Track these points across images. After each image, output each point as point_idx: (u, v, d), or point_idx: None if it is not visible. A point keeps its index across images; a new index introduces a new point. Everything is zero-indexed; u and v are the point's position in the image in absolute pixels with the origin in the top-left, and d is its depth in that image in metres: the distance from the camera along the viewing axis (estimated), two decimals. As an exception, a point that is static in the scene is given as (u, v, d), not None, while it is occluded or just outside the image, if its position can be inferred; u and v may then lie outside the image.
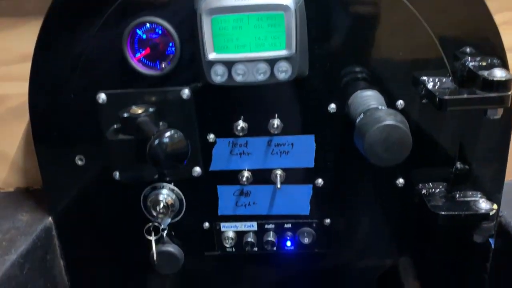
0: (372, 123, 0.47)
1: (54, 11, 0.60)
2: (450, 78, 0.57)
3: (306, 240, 0.68)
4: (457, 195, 0.62)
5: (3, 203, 0.77)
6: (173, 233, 0.69)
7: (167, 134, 0.48)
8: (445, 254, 0.69)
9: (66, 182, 0.68)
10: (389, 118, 0.47)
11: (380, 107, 0.52)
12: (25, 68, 0.64)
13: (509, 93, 0.52)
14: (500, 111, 0.53)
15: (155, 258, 0.67)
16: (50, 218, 0.71)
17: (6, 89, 0.74)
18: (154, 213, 0.66)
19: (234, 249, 0.69)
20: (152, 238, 0.67)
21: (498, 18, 0.60)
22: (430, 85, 0.56)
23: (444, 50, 0.57)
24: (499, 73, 0.51)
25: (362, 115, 0.51)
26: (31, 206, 0.75)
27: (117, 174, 0.64)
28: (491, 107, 0.53)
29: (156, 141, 0.48)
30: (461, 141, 0.61)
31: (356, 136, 0.50)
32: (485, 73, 0.52)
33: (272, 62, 0.56)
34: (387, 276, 0.73)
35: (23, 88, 0.66)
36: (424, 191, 0.62)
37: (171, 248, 0.69)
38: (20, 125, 0.77)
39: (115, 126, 0.60)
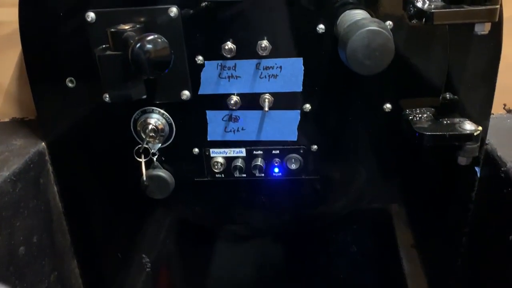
0: (355, 30, 0.47)
1: None
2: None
3: (293, 166, 0.69)
4: (444, 121, 0.62)
5: (6, 132, 0.78)
6: (163, 159, 0.70)
7: (149, 37, 0.48)
8: (432, 183, 0.69)
9: (58, 106, 0.69)
10: (372, 24, 0.46)
11: (366, 20, 0.51)
12: None
13: (497, 6, 0.51)
14: (487, 26, 0.53)
15: (145, 183, 0.69)
16: (43, 143, 0.73)
17: (2, 15, 0.75)
18: (144, 136, 0.67)
19: (223, 175, 0.70)
20: (142, 160, 0.68)
21: None
22: (419, 4, 0.56)
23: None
24: (487, -13, 0.51)
25: (346, 27, 0.51)
26: (26, 133, 0.76)
27: (107, 96, 0.65)
28: (478, 21, 0.52)
29: (138, 44, 0.48)
30: (449, 67, 0.61)
31: (339, 47, 0.50)
32: (472, -12, 0.52)
33: (259, -23, 0.55)
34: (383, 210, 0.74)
35: (15, 14, 0.66)
36: (411, 117, 0.62)
37: (161, 172, 0.70)
38: (15, 54, 0.78)
39: (104, 45, 0.60)
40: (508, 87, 0.71)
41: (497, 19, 0.52)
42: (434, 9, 0.52)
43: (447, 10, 0.52)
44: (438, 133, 0.58)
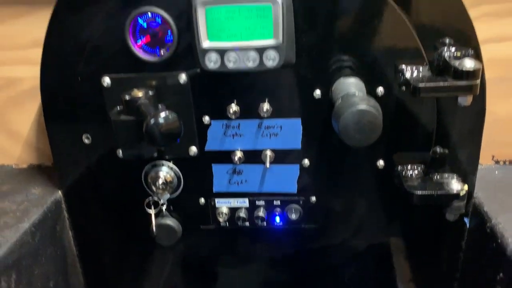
0: (346, 107, 0.52)
1: (61, 4, 0.65)
2: (427, 67, 0.61)
3: (293, 216, 0.73)
4: (434, 177, 0.67)
5: (17, 178, 0.84)
6: (171, 208, 0.75)
7: (163, 114, 0.54)
8: (424, 232, 0.73)
9: (75, 159, 0.74)
10: (362, 103, 0.51)
11: (357, 93, 0.56)
12: (38, 53, 0.70)
13: (477, 81, 0.56)
14: (469, 99, 0.57)
15: (154, 230, 0.74)
16: (60, 192, 0.78)
17: (20, 72, 0.81)
18: (154, 189, 0.72)
19: (227, 223, 0.75)
20: (152, 212, 0.73)
21: (474, 11, 0.65)
22: (407, 74, 0.61)
23: (422, 41, 0.61)
24: (468, 63, 0.56)
25: (339, 100, 0.56)
26: (43, 181, 0.81)
27: (120, 152, 0.70)
28: (461, 95, 0.57)
29: (152, 121, 0.53)
30: (437, 126, 0.66)
31: (333, 119, 0.55)
32: (457, 63, 0.56)
33: (261, 50, 0.60)
34: (378, 255, 0.79)
35: (36, 71, 0.72)
36: (403, 173, 0.67)
37: (169, 221, 0.75)
38: (33, 105, 0.83)
39: (118, 107, 0.66)
40: (496, 139, 0.76)
41: (477, 93, 0.56)
42: (421, 81, 0.57)
43: (433, 85, 0.56)
44: (426, 192, 0.63)
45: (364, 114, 0.51)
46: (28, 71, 0.79)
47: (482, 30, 0.64)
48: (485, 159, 0.78)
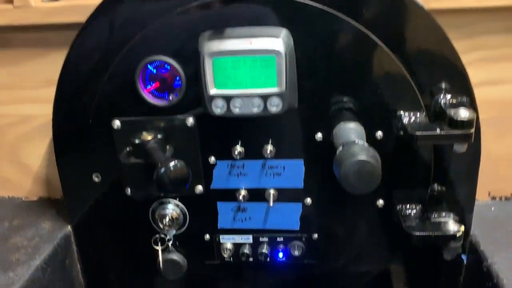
0: (347, 157, 0.55)
1: (75, 49, 0.69)
2: (424, 113, 0.64)
3: (296, 253, 0.75)
4: (432, 216, 0.69)
5: (27, 211, 0.86)
6: (177, 243, 0.77)
7: (172, 164, 0.56)
8: (423, 268, 0.76)
9: (84, 195, 0.77)
10: (362, 154, 0.54)
11: (357, 141, 0.59)
12: (50, 92, 0.73)
13: (472, 130, 0.59)
14: (465, 146, 0.60)
15: (161, 265, 0.76)
16: (69, 227, 0.80)
17: (32, 110, 0.84)
18: (161, 225, 0.74)
19: (232, 259, 0.77)
20: (159, 248, 0.75)
21: (469, 57, 0.68)
22: (405, 120, 0.64)
23: (418, 88, 0.64)
24: (463, 113, 0.59)
25: (341, 147, 0.58)
26: (52, 214, 0.84)
27: (128, 190, 0.72)
28: (456, 143, 0.60)
29: (162, 170, 0.56)
30: (435, 166, 0.68)
31: (334, 166, 0.57)
32: (452, 112, 0.59)
33: (265, 97, 0.63)
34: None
35: (48, 109, 0.75)
36: (402, 212, 0.70)
37: (175, 256, 0.77)
38: (44, 141, 0.86)
39: (127, 148, 0.69)
40: (491, 176, 0.78)
41: (472, 141, 0.59)
42: (417, 130, 0.60)
43: (429, 133, 0.59)
44: (424, 233, 0.65)
45: (363, 165, 0.54)
46: (40, 109, 0.82)
47: (477, 74, 0.68)
48: (481, 195, 0.81)
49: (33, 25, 0.75)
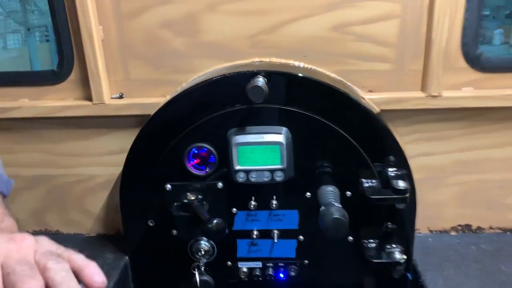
0: (328, 215, 0.86)
1: (143, 132, 0.99)
2: (377, 181, 0.97)
3: (293, 273, 1.07)
4: (386, 247, 1.02)
5: (91, 245, 1.15)
6: (208, 268, 1.08)
7: (215, 221, 0.88)
8: (380, 283, 1.07)
9: (141, 235, 1.07)
10: (336, 214, 0.86)
11: (334, 202, 0.91)
12: (110, 159, 1.04)
13: (407, 195, 0.91)
14: (402, 205, 0.93)
15: (198, 283, 1.06)
16: (127, 257, 1.10)
17: (96, 171, 1.14)
18: (197, 256, 1.05)
19: (247, 279, 1.08)
20: (196, 273, 1.05)
21: (408, 138, 1.01)
22: (365, 185, 0.96)
23: (373, 163, 0.97)
24: (401, 184, 0.91)
25: (323, 207, 0.90)
26: (112, 248, 1.13)
27: (174, 232, 1.03)
28: (397, 203, 0.92)
29: (209, 225, 0.87)
30: (386, 215, 1.01)
31: (319, 220, 0.89)
32: (394, 182, 0.92)
33: (272, 171, 0.95)
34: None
35: (108, 171, 1.06)
36: (364, 245, 1.02)
37: (206, 277, 1.07)
38: (103, 193, 1.16)
39: (176, 204, 0.99)
40: (429, 216, 1.12)
41: (408, 202, 0.92)
42: (372, 194, 0.93)
43: (379, 197, 0.92)
44: (379, 261, 0.97)
45: (337, 220, 0.85)
46: (102, 171, 1.13)
47: (416, 148, 1.01)
48: (423, 230, 1.14)
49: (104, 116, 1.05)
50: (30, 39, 3.78)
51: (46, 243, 0.63)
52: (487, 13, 6.57)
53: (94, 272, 0.61)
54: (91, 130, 1.10)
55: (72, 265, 0.61)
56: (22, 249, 0.61)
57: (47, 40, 4.47)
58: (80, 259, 0.62)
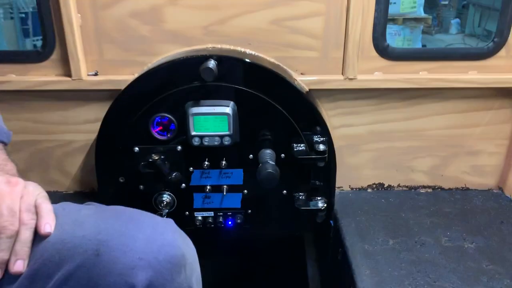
0: (263, 170, 1.11)
1: (115, 104, 1.20)
2: (305, 145, 1.22)
3: (239, 221, 1.32)
4: (312, 199, 1.28)
5: (69, 201, 1.36)
6: (169, 217, 1.31)
7: (174, 174, 1.11)
8: (307, 228, 1.34)
9: (113, 191, 1.28)
10: (270, 168, 1.11)
11: (269, 161, 1.15)
12: (86, 127, 1.26)
13: (326, 155, 1.17)
14: (322, 163, 1.19)
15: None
16: (101, 209, 1.31)
17: (73, 137, 1.34)
18: (160, 207, 1.27)
19: (201, 226, 1.32)
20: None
21: (334, 112, 1.27)
22: (295, 148, 1.21)
23: (302, 132, 1.22)
24: (321, 147, 1.17)
25: (260, 164, 1.15)
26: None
27: (141, 187, 1.25)
28: (319, 162, 1.18)
29: (169, 177, 1.10)
30: (313, 172, 1.26)
31: (256, 174, 1.14)
32: (316, 146, 1.18)
33: (221, 136, 1.19)
34: (293, 245, 1.38)
35: (84, 137, 1.27)
36: (295, 197, 1.27)
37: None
38: (80, 157, 1.37)
39: (142, 163, 1.21)
40: (350, 176, 1.39)
41: (327, 162, 1.18)
42: (299, 155, 1.18)
43: (305, 157, 1.17)
44: (306, 207, 1.24)
45: (270, 174, 1.10)
46: (79, 137, 1.33)
47: (339, 120, 1.28)
48: (346, 187, 1.41)
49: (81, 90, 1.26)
50: (-5, 16, 3.82)
51: (31, 189, 0.78)
52: (446, 2, 6.98)
53: (46, 222, 0.74)
54: (70, 102, 1.29)
55: (38, 211, 0.75)
56: (13, 192, 0.74)
57: (12, 18, 4.49)
58: (45, 210, 0.75)
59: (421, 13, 4.62)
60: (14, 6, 4.36)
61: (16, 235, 0.72)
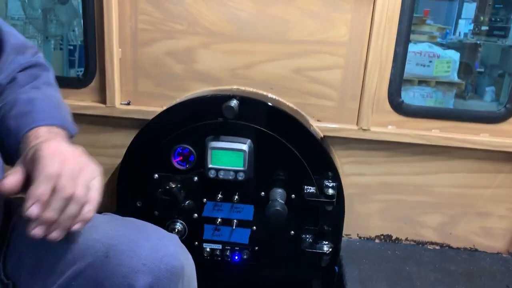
0: (272, 207, 1.16)
1: (141, 133, 1.30)
2: (315, 187, 1.27)
3: (245, 256, 1.35)
4: (318, 242, 1.31)
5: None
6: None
7: (187, 202, 1.17)
8: (312, 271, 1.36)
9: (130, 213, 1.35)
10: (278, 206, 1.16)
11: (279, 199, 1.21)
12: (113, 151, 1.34)
13: (334, 200, 1.22)
14: (330, 207, 1.23)
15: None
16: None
17: (101, 160, 1.43)
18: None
19: (208, 257, 1.37)
20: (169, 246, 1.33)
21: (346, 160, 1.32)
22: (306, 191, 1.26)
23: (314, 175, 1.27)
24: (330, 191, 1.22)
25: (270, 202, 1.20)
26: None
27: (156, 213, 1.32)
28: (326, 206, 1.23)
29: (183, 204, 1.17)
30: (321, 216, 1.30)
31: (265, 210, 1.19)
32: (326, 190, 1.23)
33: (236, 171, 1.25)
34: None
35: (111, 161, 1.36)
36: (303, 239, 1.31)
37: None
38: (104, 179, 1.45)
39: (160, 190, 1.29)
40: (358, 225, 1.42)
41: (334, 206, 1.22)
42: (309, 197, 1.23)
43: (312, 199, 1.22)
44: (311, 250, 1.27)
45: (278, 211, 1.15)
46: (106, 160, 1.42)
47: (350, 168, 1.32)
48: (353, 236, 1.44)
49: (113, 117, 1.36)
50: (47, 46, 4.11)
51: (91, 169, 0.79)
52: (482, 70, 7.02)
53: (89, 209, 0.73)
54: (101, 127, 1.40)
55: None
56: (77, 161, 0.75)
57: (61, 49, 4.81)
58: (93, 196, 0.76)
59: (454, 77, 4.65)
60: (65, 39, 4.67)
61: (70, 200, 0.70)
